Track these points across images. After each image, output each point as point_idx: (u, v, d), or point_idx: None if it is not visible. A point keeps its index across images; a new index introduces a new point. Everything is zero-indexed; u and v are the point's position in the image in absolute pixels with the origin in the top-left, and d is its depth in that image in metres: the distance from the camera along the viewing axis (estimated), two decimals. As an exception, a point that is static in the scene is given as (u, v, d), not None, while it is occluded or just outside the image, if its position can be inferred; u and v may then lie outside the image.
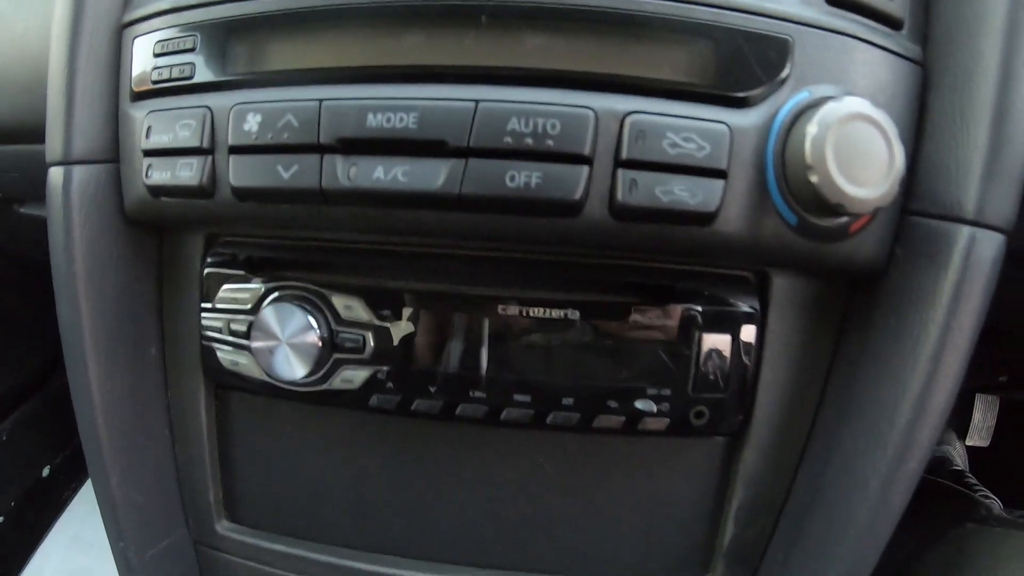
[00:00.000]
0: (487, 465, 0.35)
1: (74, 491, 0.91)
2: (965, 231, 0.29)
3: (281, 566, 0.39)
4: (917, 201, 0.30)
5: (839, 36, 0.28)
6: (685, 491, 0.36)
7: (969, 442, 0.99)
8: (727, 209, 0.28)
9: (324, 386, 0.33)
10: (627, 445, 0.35)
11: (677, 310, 0.31)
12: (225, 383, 0.37)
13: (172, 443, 0.39)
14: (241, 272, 0.34)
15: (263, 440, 0.38)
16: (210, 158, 0.31)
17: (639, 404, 0.32)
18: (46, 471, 0.91)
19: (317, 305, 0.32)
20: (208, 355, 0.36)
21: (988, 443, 1.00)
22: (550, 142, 0.27)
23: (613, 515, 0.36)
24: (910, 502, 0.69)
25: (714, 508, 0.36)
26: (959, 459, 0.94)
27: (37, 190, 0.62)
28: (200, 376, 0.37)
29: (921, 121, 0.30)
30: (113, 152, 0.34)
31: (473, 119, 0.27)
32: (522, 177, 0.27)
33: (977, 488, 0.80)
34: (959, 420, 0.99)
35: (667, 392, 0.32)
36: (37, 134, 0.40)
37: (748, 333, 0.32)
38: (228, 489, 0.39)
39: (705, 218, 0.27)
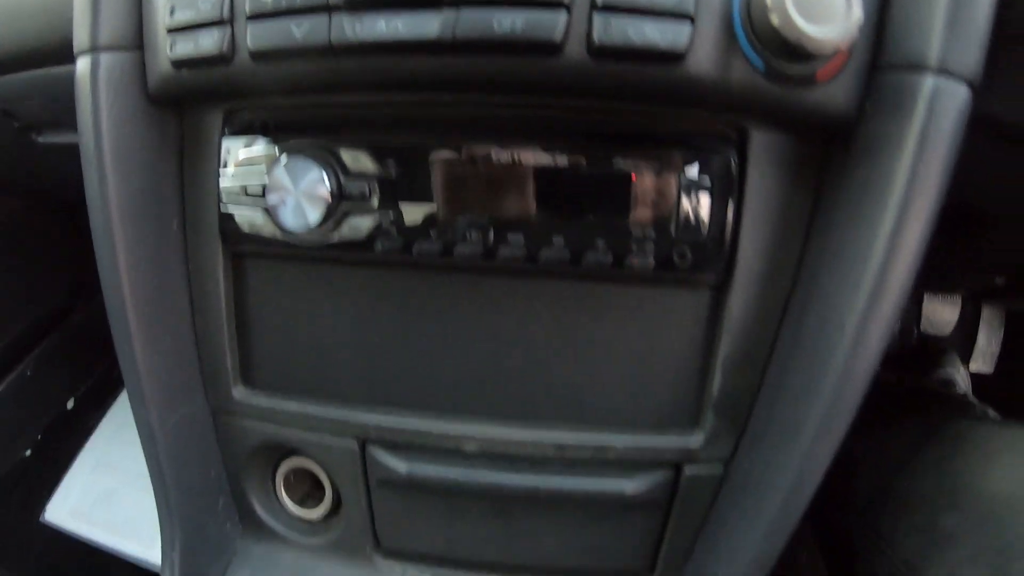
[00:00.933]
0: (486, 317, 0.39)
1: (98, 420, 0.96)
2: (929, 81, 0.31)
3: (295, 424, 0.43)
4: (885, 55, 0.32)
5: None
6: (674, 343, 0.39)
7: (973, 367, 1.02)
8: (696, 51, 0.31)
9: (333, 236, 0.37)
10: (618, 295, 0.38)
11: (662, 156, 0.35)
12: (241, 250, 0.41)
13: (192, 314, 0.43)
14: (256, 136, 0.38)
15: (276, 306, 0.42)
16: (229, 27, 0.34)
17: (625, 243, 0.35)
18: (70, 403, 0.96)
19: (326, 159, 0.36)
20: (226, 221, 0.40)
21: (992, 370, 1.03)
22: None
23: (606, 367, 0.40)
24: (908, 404, 0.73)
25: (703, 360, 0.39)
26: (962, 383, 0.97)
27: (57, 116, 0.65)
28: (218, 245, 0.41)
29: None
30: (137, 39, 0.38)
31: None
32: (508, 22, 0.30)
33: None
34: (964, 345, 1.02)
35: (652, 233, 0.35)
36: (59, 55, 0.44)
37: (728, 182, 0.35)
38: (244, 355, 0.43)
39: (675, 57, 0.31)
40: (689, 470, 0.41)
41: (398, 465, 0.42)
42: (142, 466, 0.89)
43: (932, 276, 0.86)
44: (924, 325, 1.01)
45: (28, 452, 0.91)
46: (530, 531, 0.44)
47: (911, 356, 0.99)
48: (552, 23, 0.31)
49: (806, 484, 0.36)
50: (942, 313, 1.02)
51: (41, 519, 0.87)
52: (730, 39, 0.31)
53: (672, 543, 0.44)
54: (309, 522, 0.48)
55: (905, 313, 1.03)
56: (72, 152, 0.66)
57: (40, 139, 0.64)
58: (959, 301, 1.02)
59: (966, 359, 1.02)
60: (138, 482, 0.88)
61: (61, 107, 0.61)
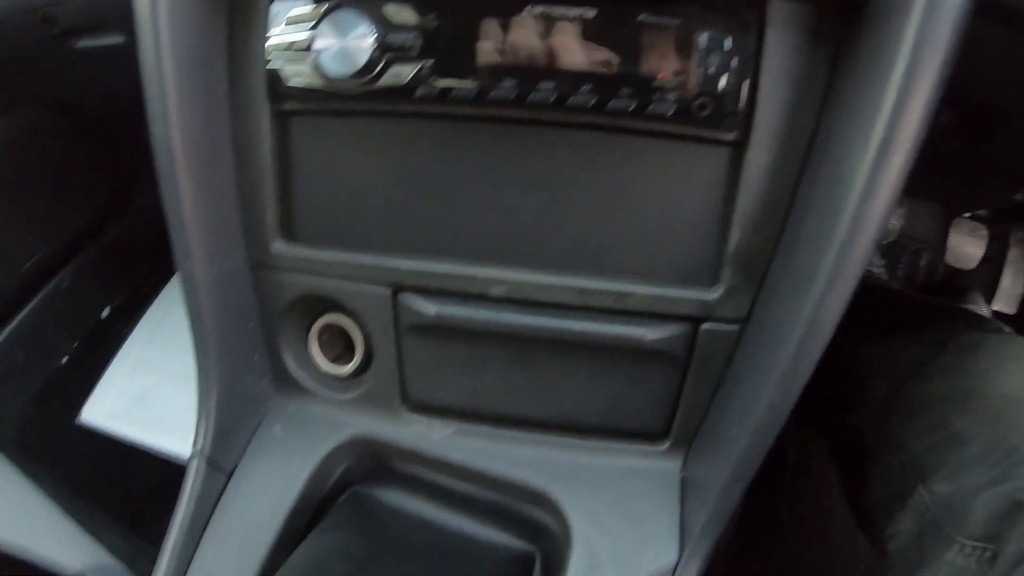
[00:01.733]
0: (515, 167, 0.42)
1: (132, 327, 1.01)
2: None
3: (331, 275, 0.47)
4: None
5: None
6: (694, 198, 0.42)
7: (995, 306, 1.04)
8: None
9: (377, 84, 0.40)
10: (641, 149, 0.41)
11: (687, 12, 0.37)
12: (285, 109, 0.44)
13: (235, 172, 0.46)
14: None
15: (316, 161, 0.45)
16: None
17: (648, 92, 0.38)
18: (106, 312, 1.02)
19: (371, 12, 0.39)
20: (272, 79, 0.43)
21: (1015, 311, 1.05)
22: None
23: (628, 219, 0.42)
24: (927, 316, 0.74)
25: (721, 216, 0.42)
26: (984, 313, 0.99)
27: (95, 19, 0.69)
28: (265, 104, 0.44)
29: None
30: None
31: None
32: None
33: None
34: (990, 284, 1.04)
35: (673, 83, 0.38)
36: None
37: (748, 42, 0.38)
38: (283, 210, 0.47)
39: None
40: (706, 327, 0.44)
41: (428, 308, 0.45)
42: (179, 366, 0.94)
43: (956, 194, 0.87)
44: (949, 258, 1.03)
45: (65, 360, 0.97)
46: (551, 383, 0.47)
47: (936, 288, 1.01)
48: None
49: (818, 334, 0.38)
50: (967, 247, 1.03)
51: (78, 421, 0.93)
52: None
53: (687, 405, 0.47)
54: (339, 378, 0.52)
55: (930, 245, 1.04)
56: (110, 58, 0.70)
57: (79, 44, 0.67)
58: (985, 236, 1.03)
59: (990, 299, 1.04)
60: (175, 381, 0.93)
61: (101, 5, 0.64)
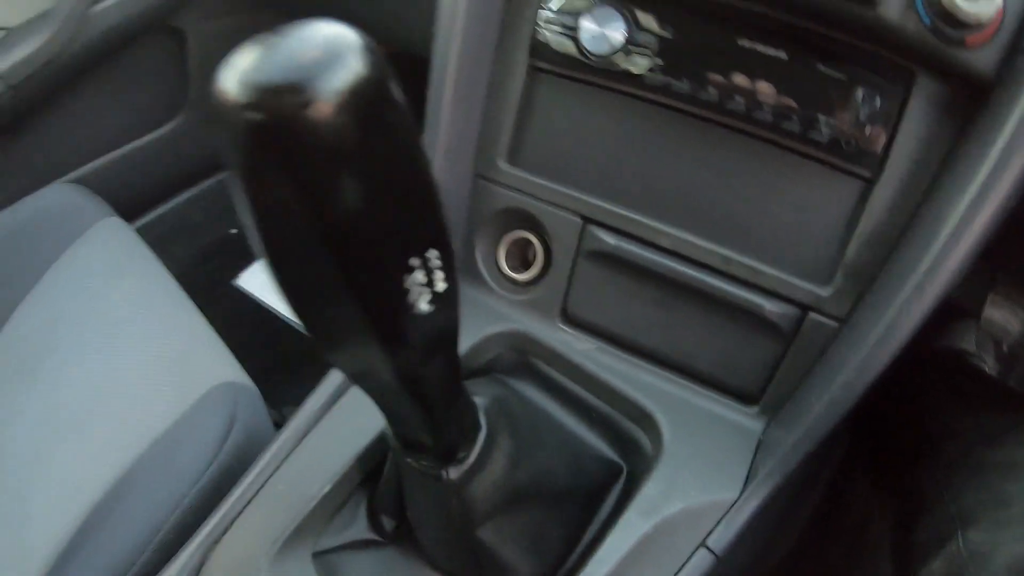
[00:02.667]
0: (699, 152, 0.57)
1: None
2: None
3: (538, 197, 0.62)
4: None
5: None
6: (827, 211, 0.54)
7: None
8: (886, 2, 0.46)
9: (618, 65, 0.56)
10: (796, 165, 0.54)
11: (854, 72, 0.51)
12: (541, 66, 0.60)
13: (485, 100, 0.62)
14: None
15: (552, 109, 0.61)
16: None
17: (812, 121, 0.52)
18: None
19: (626, 13, 0.55)
20: (537, 41, 0.59)
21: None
22: None
23: (772, 214, 0.56)
24: (1015, 399, 0.83)
25: (844, 233, 0.54)
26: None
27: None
28: (525, 58, 0.60)
29: None
30: None
31: None
32: None
33: None
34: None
35: (830, 120, 0.52)
36: None
37: (894, 104, 0.51)
38: (515, 139, 0.62)
39: (869, 2, 0.47)
40: (813, 316, 0.56)
41: (608, 240, 0.60)
42: None
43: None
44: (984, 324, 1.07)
45: (235, 231, 1.17)
46: (682, 328, 0.60)
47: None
48: None
49: (893, 338, 0.50)
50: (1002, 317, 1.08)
51: (233, 283, 1.12)
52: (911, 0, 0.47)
53: (781, 377, 0.58)
54: (515, 282, 0.67)
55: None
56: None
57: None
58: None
59: None
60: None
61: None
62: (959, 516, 0.58)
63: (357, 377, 0.34)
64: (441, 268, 0.27)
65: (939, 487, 0.63)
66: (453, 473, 0.40)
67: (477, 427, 0.41)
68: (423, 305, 0.27)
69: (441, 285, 0.27)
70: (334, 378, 0.62)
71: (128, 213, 0.99)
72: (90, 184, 1.02)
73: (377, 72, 0.23)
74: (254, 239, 0.26)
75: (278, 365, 1.00)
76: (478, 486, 0.42)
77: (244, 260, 1.15)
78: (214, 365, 0.80)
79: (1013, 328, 1.07)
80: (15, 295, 0.94)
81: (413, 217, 0.26)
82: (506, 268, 0.67)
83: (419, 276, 0.26)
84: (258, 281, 1.11)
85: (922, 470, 0.68)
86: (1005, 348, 1.08)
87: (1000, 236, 0.50)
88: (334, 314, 0.27)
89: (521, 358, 0.65)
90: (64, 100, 1.03)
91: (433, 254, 0.26)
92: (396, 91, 0.24)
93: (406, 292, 0.26)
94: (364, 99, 0.22)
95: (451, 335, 0.32)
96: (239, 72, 0.22)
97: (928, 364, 0.92)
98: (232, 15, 1.15)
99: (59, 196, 1.01)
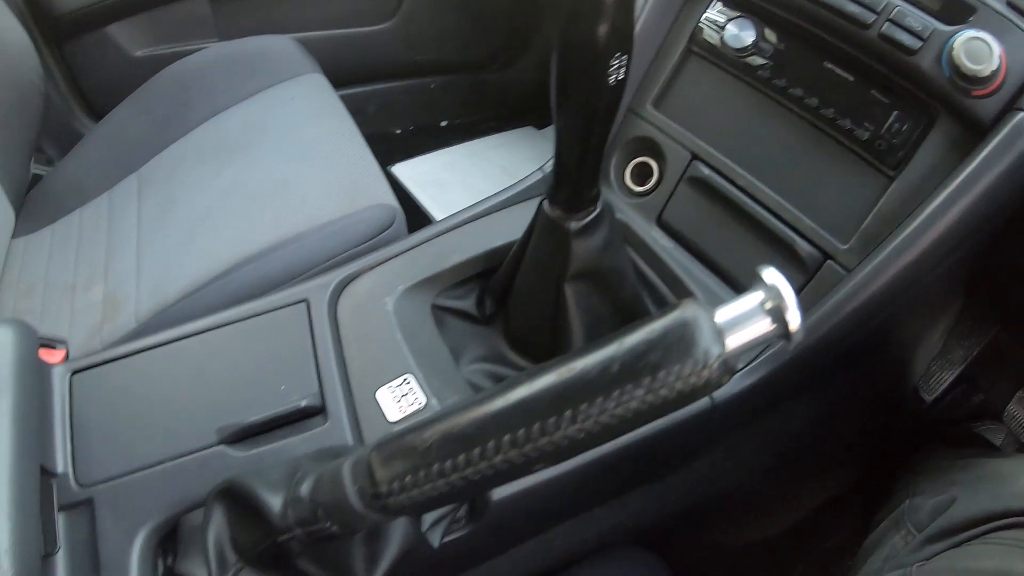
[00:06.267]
0: (781, 126, 0.87)
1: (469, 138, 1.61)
2: None
3: (667, 134, 0.95)
4: (1020, 104, 0.67)
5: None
6: (855, 191, 0.80)
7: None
8: (921, 55, 0.75)
9: (745, 60, 0.89)
10: (840, 150, 0.83)
11: (895, 99, 0.80)
12: (692, 49, 0.94)
13: (649, 63, 0.97)
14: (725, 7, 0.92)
15: (692, 78, 0.94)
16: None
17: (862, 123, 0.82)
18: (444, 123, 1.62)
19: (758, 27, 0.89)
20: (696, 32, 0.94)
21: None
22: None
23: (818, 182, 0.84)
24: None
25: (866, 207, 0.79)
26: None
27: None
28: (684, 41, 0.95)
29: None
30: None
31: None
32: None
33: None
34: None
35: (872, 127, 0.81)
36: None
37: (920, 126, 0.77)
38: (662, 90, 0.97)
39: (910, 52, 0.75)
40: (829, 263, 0.78)
41: (705, 170, 0.91)
42: (478, 181, 1.50)
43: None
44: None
45: (399, 131, 1.55)
46: (736, 246, 0.87)
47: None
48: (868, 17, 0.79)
49: (876, 281, 0.75)
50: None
51: (388, 168, 1.49)
52: (938, 56, 0.74)
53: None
54: (632, 192, 0.98)
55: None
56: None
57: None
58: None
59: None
60: (465, 189, 1.48)
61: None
62: (915, 493, 0.77)
63: (569, 130, 0.64)
64: (624, 66, 0.61)
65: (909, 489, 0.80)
66: (573, 225, 0.73)
67: (598, 197, 0.73)
68: (612, 81, 0.61)
69: (623, 72, 0.61)
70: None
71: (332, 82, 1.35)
72: (309, 48, 1.39)
73: None
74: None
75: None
76: (580, 244, 0.73)
77: (406, 155, 1.52)
78: (380, 193, 1.08)
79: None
80: (227, 101, 1.30)
81: (626, 39, 0.60)
82: (629, 180, 1.00)
83: (616, 63, 0.60)
84: (409, 172, 1.48)
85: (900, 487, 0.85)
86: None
87: None
88: (587, 84, 0.61)
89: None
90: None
91: (624, 58, 0.60)
92: None
93: (611, 69, 0.60)
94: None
95: (620, 97, 0.61)
96: None
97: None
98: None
99: (281, 44, 1.38)
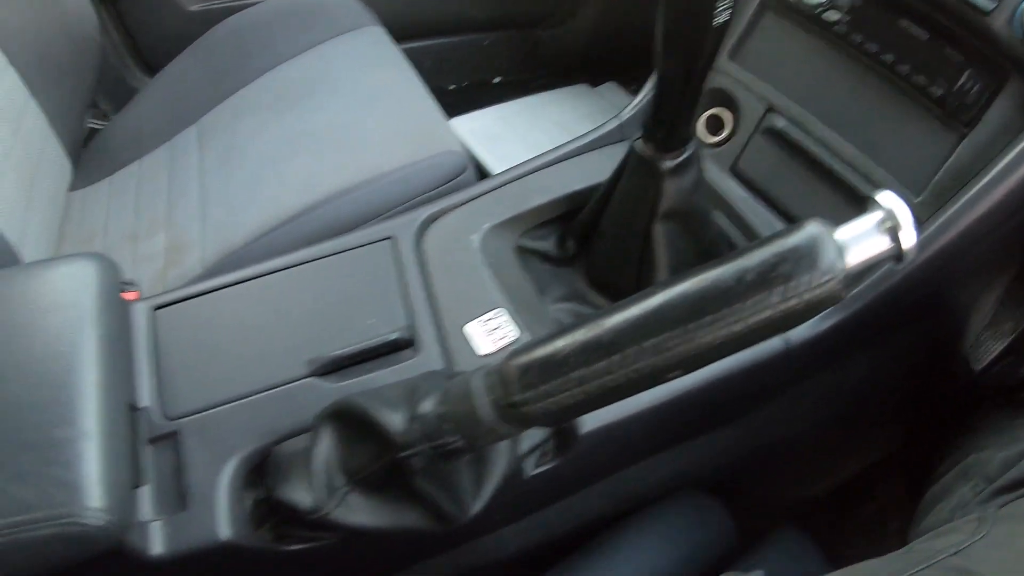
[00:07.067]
0: (857, 78, 0.90)
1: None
2: None
3: (745, 86, 0.98)
4: None
5: None
6: (930, 145, 0.82)
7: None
8: (994, 15, 0.77)
9: (821, 15, 0.92)
10: (915, 106, 0.86)
11: (968, 56, 0.82)
12: (766, 4, 0.97)
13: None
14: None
15: (767, 32, 0.98)
16: None
17: (935, 78, 0.84)
18: (496, 79, 1.66)
19: None
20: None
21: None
22: None
23: (892, 131, 0.86)
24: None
25: (939, 162, 0.82)
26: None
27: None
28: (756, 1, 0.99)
29: None
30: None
31: None
32: None
33: None
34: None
35: (946, 83, 0.84)
36: None
37: (993, 84, 0.80)
38: (738, 42, 0.99)
39: (984, 13, 0.78)
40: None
41: (779, 121, 0.94)
42: (534, 136, 1.53)
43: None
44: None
45: (452, 87, 1.59)
46: (807, 195, 0.91)
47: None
48: None
49: (943, 235, 0.79)
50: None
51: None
52: (1010, 18, 0.77)
53: None
54: (705, 142, 1.02)
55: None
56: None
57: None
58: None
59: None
60: (522, 143, 1.51)
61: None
62: (977, 448, 0.81)
63: (673, 70, 0.69)
64: (730, 7, 0.64)
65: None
66: (666, 164, 0.77)
67: (690, 138, 0.77)
68: (717, 21, 0.64)
69: (727, 14, 0.64)
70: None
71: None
72: (365, 1, 1.42)
73: None
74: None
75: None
76: (672, 183, 0.77)
77: (466, 108, 1.56)
78: (448, 141, 1.11)
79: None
80: (287, 53, 1.33)
81: None
82: (703, 130, 1.04)
83: (721, 5, 0.63)
84: (470, 126, 1.52)
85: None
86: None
87: None
88: (694, 25, 0.65)
89: None
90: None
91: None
92: None
93: (717, 10, 0.63)
94: None
95: (723, 38, 0.65)
96: None
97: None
98: None
99: (342, -1, 1.40)
